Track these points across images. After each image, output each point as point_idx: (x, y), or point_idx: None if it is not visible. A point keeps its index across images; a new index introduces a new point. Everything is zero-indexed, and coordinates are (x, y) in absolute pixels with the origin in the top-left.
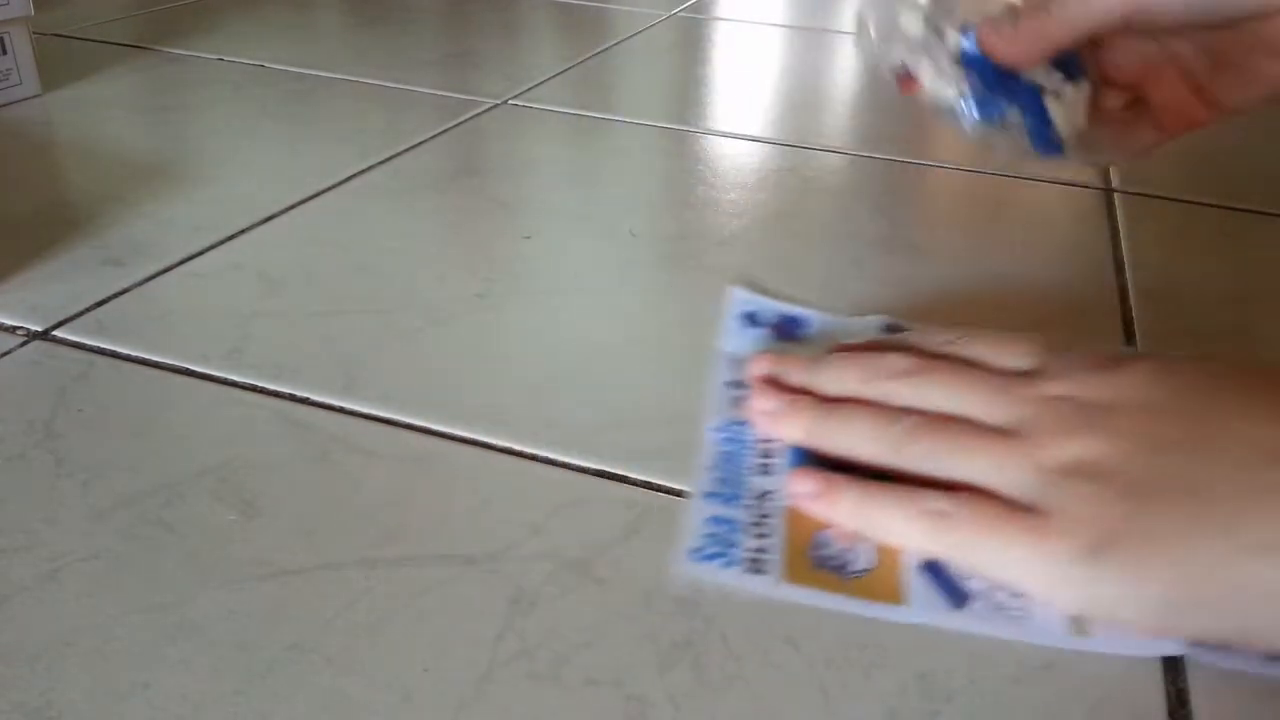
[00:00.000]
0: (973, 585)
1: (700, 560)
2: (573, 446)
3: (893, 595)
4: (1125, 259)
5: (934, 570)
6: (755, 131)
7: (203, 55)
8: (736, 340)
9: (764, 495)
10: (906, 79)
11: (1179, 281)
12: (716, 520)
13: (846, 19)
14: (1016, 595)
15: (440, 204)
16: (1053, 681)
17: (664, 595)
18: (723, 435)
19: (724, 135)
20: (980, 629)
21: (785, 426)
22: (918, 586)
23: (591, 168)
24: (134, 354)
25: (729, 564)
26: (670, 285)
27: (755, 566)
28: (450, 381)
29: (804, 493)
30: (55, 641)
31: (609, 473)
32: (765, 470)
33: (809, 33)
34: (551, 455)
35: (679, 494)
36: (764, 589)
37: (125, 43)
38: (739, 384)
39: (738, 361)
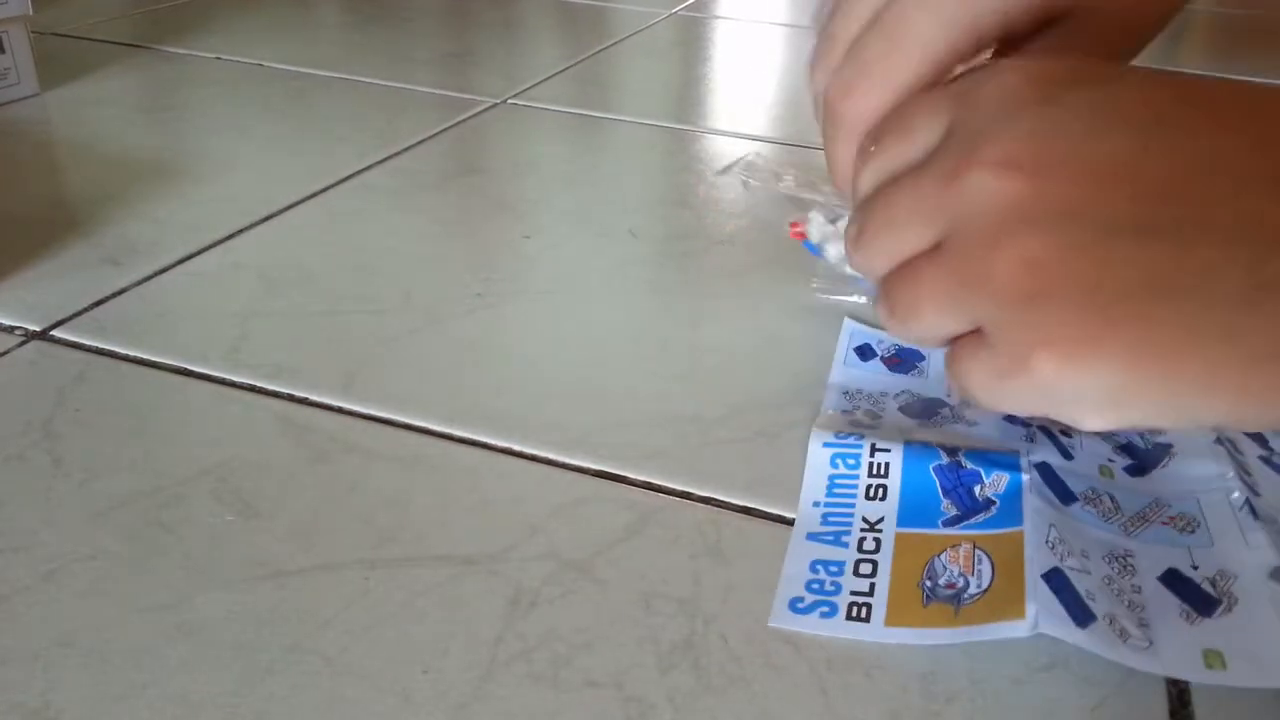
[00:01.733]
0: (1096, 605)
1: (800, 613)
2: (573, 446)
3: (1014, 611)
4: None
5: (1057, 580)
6: (755, 131)
7: (201, 54)
8: (848, 372)
9: (875, 524)
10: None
11: None
12: (819, 564)
13: None
14: (1142, 624)
15: (439, 203)
16: (1053, 682)
17: (664, 596)
18: (834, 453)
19: (724, 135)
20: (1105, 655)
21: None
22: (1039, 594)
23: (591, 167)
24: (132, 354)
25: (829, 614)
26: (670, 285)
27: (857, 613)
28: (450, 381)
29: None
30: (53, 642)
31: (609, 473)
32: (878, 494)
33: (809, 32)
34: (551, 455)
35: (679, 494)
36: (869, 636)
37: (124, 42)
38: (849, 412)
39: (847, 394)
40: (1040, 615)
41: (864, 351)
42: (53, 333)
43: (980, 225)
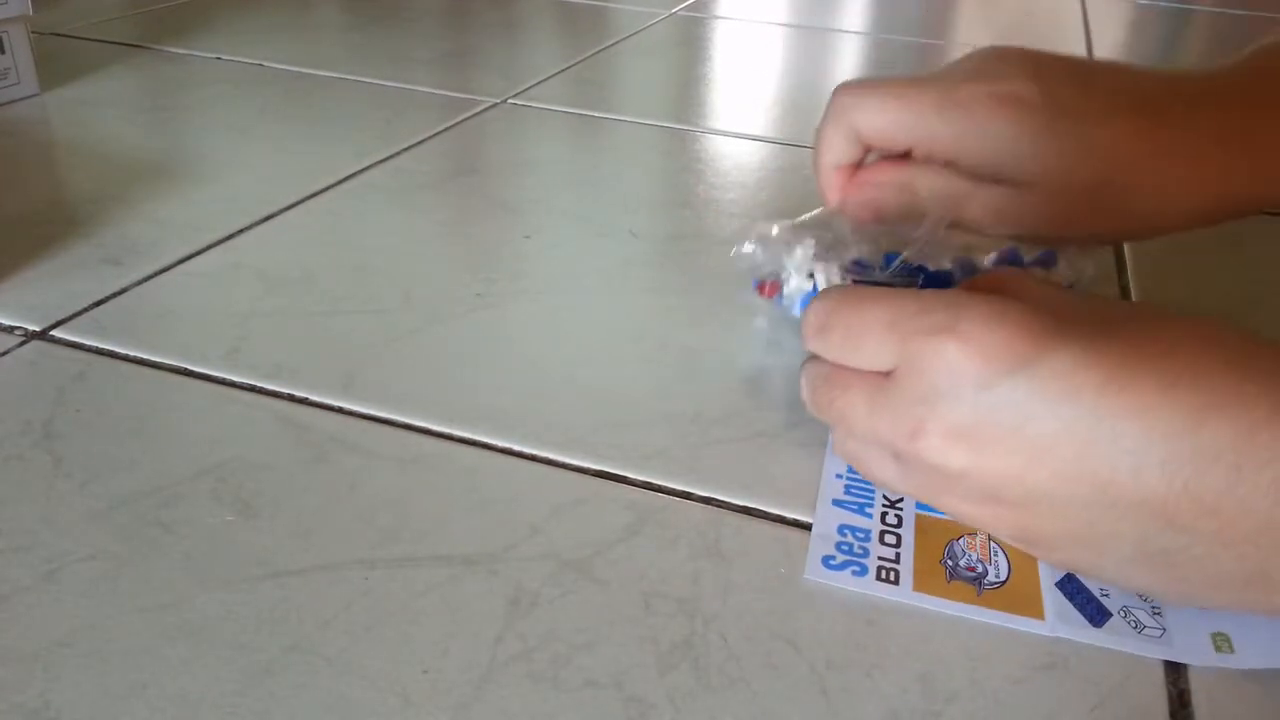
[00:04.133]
0: (1110, 600)
1: (833, 569)
2: (573, 446)
3: (1032, 609)
4: (1127, 259)
5: (1070, 586)
6: (755, 131)
7: (201, 54)
8: None
9: (895, 502)
10: (767, 286)
11: (1180, 281)
12: (846, 528)
13: (847, 18)
14: (1155, 613)
15: (440, 203)
16: (1054, 682)
17: (664, 596)
18: None
19: (724, 135)
20: (1124, 649)
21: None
22: (1054, 601)
23: (591, 167)
24: (132, 354)
25: (861, 572)
26: (670, 285)
27: (887, 575)
28: (450, 381)
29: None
30: (53, 642)
31: (609, 473)
32: None
33: (809, 31)
34: (551, 455)
35: (679, 494)
36: (898, 597)
37: (124, 42)
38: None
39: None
40: (1058, 621)
41: None
42: (53, 333)
43: (928, 476)
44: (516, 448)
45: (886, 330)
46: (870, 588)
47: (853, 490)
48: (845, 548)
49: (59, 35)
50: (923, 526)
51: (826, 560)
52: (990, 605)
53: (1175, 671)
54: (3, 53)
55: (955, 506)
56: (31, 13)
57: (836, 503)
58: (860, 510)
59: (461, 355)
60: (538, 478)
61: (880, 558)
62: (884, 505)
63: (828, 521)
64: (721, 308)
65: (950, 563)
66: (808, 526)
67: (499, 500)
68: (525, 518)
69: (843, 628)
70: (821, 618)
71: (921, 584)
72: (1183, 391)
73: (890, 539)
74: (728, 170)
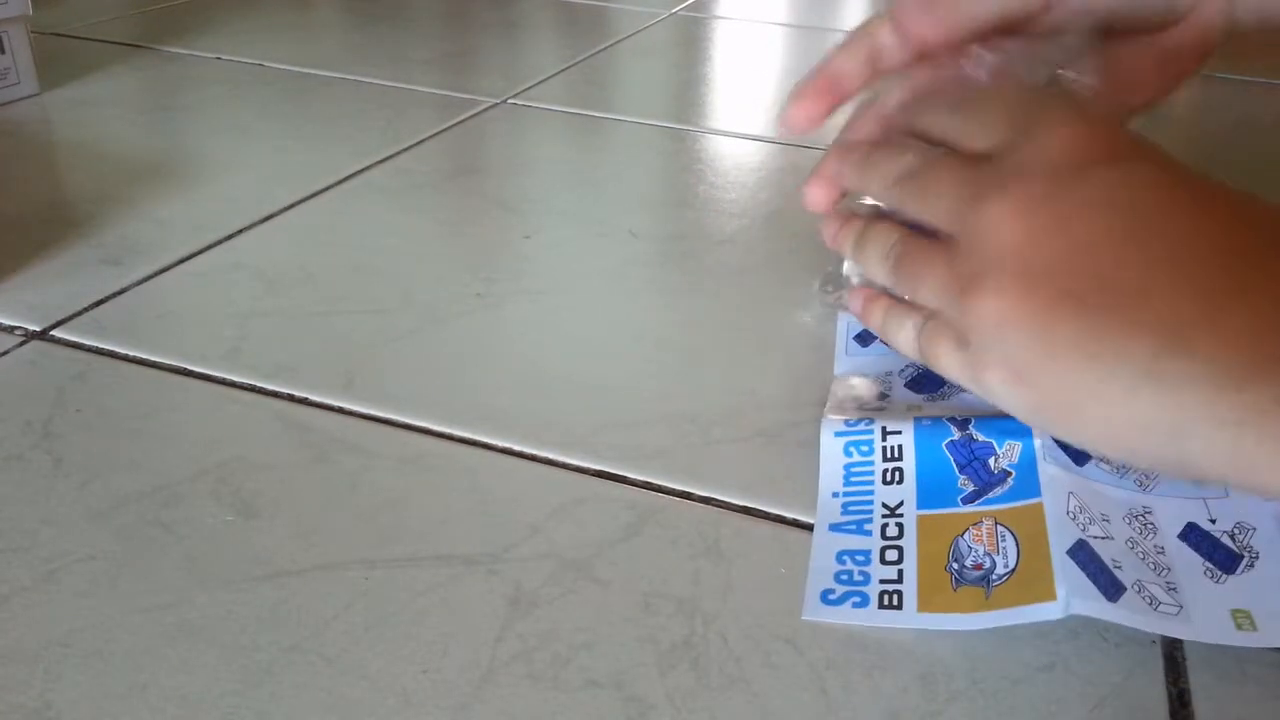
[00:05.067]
0: (1124, 573)
1: (832, 604)
2: (573, 446)
3: (1044, 591)
4: None
5: (1082, 554)
6: (755, 131)
7: (201, 54)
8: (851, 361)
9: (896, 508)
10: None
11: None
12: (845, 554)
13: (847, 18)
14: (1170, 589)
15: (440, 203)
16: (1053, 682)
17: (664, 596)
18: (846, 441)
19: (724, 135)
20: (1139, 626)
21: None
22: (1066, 574)
23: (591, 167)
24: (132, 354)
25: (862, 603)
26: (670, 285)
27: (889, 600)
28: (450, 381)
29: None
30: (53, 642)
31: (609, 473)
32: (895, 478)
33: (809, 31)
34: (551, 455)
35: (679, 494)
36: (903, 623)
37: (124, 42)
38: (856, 400)
39: (849, 379)
40: (1071, 595)
41: (863, 338)
42: (53, 333)
43: (986, 252)
44: (516, 448)
45: (1002, 110)
46: (873, 618)
47: (851, 508)
48: (844, 577)
49: (59, 35)
50: (926, 529)
51: (825, 595)
52: (1000, 604)
53: (1175, 671)
54: (3, 53)
55: (1010, 304)
56: (31, 12)
57: (834, 528)
58: (859, 529)
59: (461, 355)
60: (538, 478)
61: (882, 580)
62: (884, 514)
63: (825, 552)
64: (721, 308)
65: (956, 565)
66: (808, 526)
67: (499, 500)
68: (525, 518)
69: (843, 628)
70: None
71: (927, 602)
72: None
73: (892, 554)
74: (728, 170)
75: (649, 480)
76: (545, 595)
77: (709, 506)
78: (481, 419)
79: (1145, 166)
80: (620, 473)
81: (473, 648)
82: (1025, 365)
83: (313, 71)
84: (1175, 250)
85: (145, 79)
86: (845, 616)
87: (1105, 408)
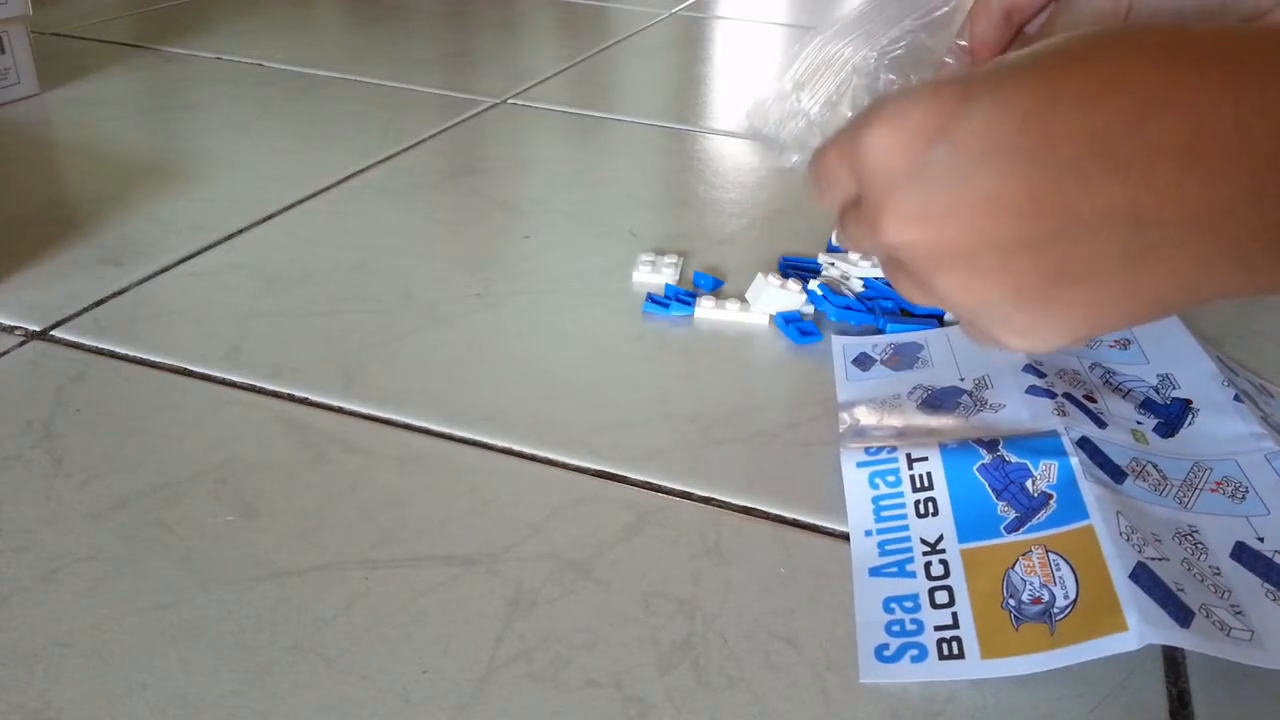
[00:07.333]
0: (1188, 596)
1: (889, 661)
2: (573, 446)
3: (1114, 622)
4: None
5: (1145, 578)
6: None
7: (201, 54)
8: (853, 388)
9: (936, 544)
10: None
11: None
12: (892, 602)
13: None
14: (1237, 612)
15: (440, 203)
16: (1054, 682)
17: (664, 596)
18: (870, 472)
19: (724, 135)
20: (1215, 654)
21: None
22: (1133, 599)
23: (591, 167)
24: (132, 354)
25: (921, 656)
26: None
27: (949, 650)
28: (450, 381)
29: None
30: (53, 642)
31: (609, 473)
32: (929, 510)
33: (809, 32)
34: (551, 455)
35: (679, 494)
36: (969, 674)
37: (124, 42)
38: (862, 430)
39: (856, 407)
40: (1143, 624)
41: (862, 361)
42: (53, 333)
43: (908, 268)
44: (516, 448)
45: (837, 160)
46: (936, 672)
47: (887, 548)
48: (896, 628)
49: (59, 35)
50: (972, 564)
51: (880, 652)
52: (1068, 640)
53: (1175, 671)
54: (3, 53)
55: (950, 292)
56: (31, 12)
57: (874, 572)
58: (901, 571)
59: (461, 355)
60: (538, 478)
61: (937, 627)
62: (925, 551)
63: (870, 601)
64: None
65: (1013, 601)
66: (808, 527)
67: (499, 500)
68: (525, 518)
69: (843, 629)
70: (821, 618)
71: (989, 646)
72: (1115, 97)
73: (942, 596)
74: (727, 170)
75: (649, 480)
76: (545, 595)
77: (709, 506)
78: (481, 419)
79: (972, 120)
80: (620, 473)
81: (473, 648)
82: (1019, 321)
83: (313, 71)
84: (1056, 161)
85: (145, 79)
86: (906, 674)
87: (1103, 310)
